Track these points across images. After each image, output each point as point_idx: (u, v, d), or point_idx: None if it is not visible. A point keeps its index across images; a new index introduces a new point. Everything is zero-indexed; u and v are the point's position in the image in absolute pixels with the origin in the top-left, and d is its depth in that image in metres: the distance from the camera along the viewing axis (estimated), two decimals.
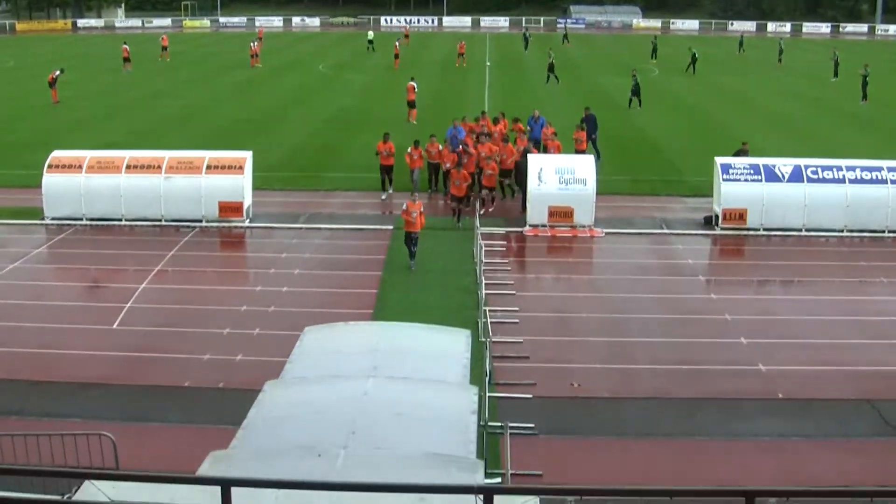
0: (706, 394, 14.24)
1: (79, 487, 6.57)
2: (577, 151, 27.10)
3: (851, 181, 23.02)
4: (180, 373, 14.76)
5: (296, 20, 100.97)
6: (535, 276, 20.31)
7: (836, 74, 52.04)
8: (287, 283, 19.13)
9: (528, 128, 28.43)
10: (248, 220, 23.54)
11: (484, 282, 17.30)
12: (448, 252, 21.30)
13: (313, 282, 19.30)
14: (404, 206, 20.03)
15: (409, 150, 25.34)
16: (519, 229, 23.11)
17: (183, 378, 14.57)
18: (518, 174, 24.61)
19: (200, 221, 23.21)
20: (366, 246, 21.96)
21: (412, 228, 19.66)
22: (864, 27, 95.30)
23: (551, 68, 49.01)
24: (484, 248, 19.43)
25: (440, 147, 25.24)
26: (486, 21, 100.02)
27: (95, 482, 6.33)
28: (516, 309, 17.51)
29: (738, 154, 25.11)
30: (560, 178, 22.96)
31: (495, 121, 27.86)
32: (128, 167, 23.45)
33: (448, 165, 24.54)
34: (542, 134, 27.25)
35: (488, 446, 11.28)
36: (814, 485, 10.90)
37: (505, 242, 22.21)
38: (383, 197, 25.03)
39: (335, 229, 23.06)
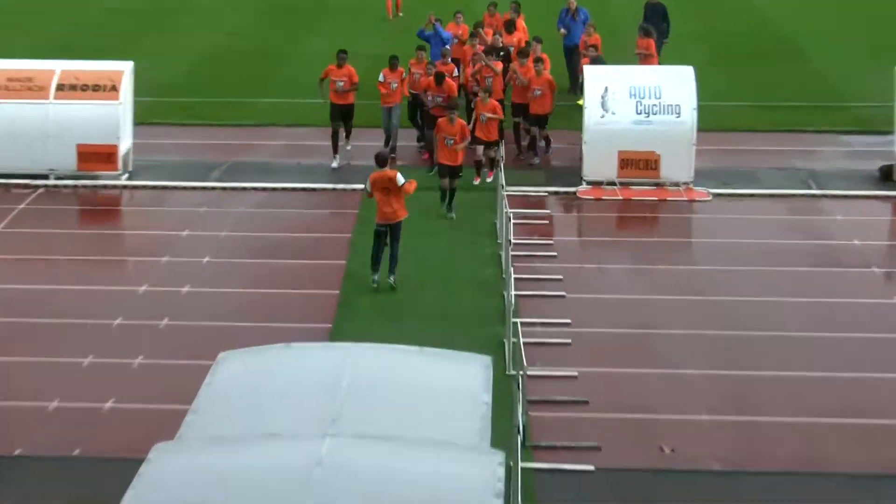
0: (889, 466, 14.06)
1: None
2: None
3: None
4: (9, 433, 14.57)
5: None
6: (597, 267, 20.29)
7: None
8: (190, 278, 19.14)
9: (562, 30, 28.49)
10: (125, 176, 23.51)
11: (514, 276, 16.98)
12: (456, 226, 21.29)
13: (234, 277, 19.29)
14: (367, 186, 18.70)
15: (381, 75, 24.64)
16: (570, 189, 22.96)
17: (13, 442, 14.37)
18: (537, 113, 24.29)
19: (47, 177, 23.29)
20: (321, 217, 21.87)
21: (389, 216, 18.56)
22: None
23: None
24: (513, 221, 19.18)
25: (432, 66, 24.31)
26: None
27: None
28: (566, 321, 17.53)
29: None
30: (638, 103, 22.87)
31: (509, 26, 27.05)
32: None
33: (430, 98, 23.67)
34: (582, 42, 27.07)
35: None
36: None
37: (548, 211, 22.13)
38: (334, 165, 24.53)
39: (270, 190, 23.08)
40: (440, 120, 22.04)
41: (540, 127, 24.40)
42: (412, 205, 19.42)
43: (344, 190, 23.04)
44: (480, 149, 23.07)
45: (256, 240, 20.82)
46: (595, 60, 25.21)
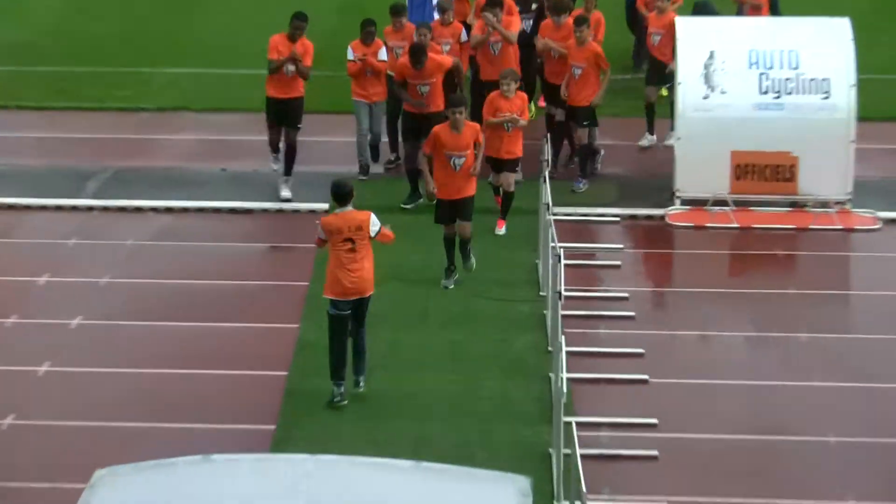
0: None
1: None
2: None
3: None
4: None
5: None
6: (699, 335, 20.32)
7: None
8: (51, 351, 19.17)
9: None
10: None
11: (566, 348, 16.41)
12: (475, 270, 21.33)
13: (119, 349, 19.38)
14: (319, 231, 18.22)
15: (349, 50, 24.47)
16: (655, 211, 23.51)
17: None
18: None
19: None
20: (259, 254, 22.66)
21: (354, 288, 17.79)
22: None
23: None
24: (565, 262, 18.64)
25: (424, 36, 23.54)
26: None
27: None
28: (651, 421, 17.58)
29: None
30: (762, 76, 23.20)
31: None
32: None
33: (409, 92, 23.15)
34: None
35: None
36: None
37: (619, 247, 22.41)
38: (275, 167, 24.68)
39: (179, 211, 23.51)
40: (436, 128, 20.90)
41: (578, 124, 24.11)
42: (401, 234, 19.03)
43: (296, 212, 23.05)
44: (502, 177, 22.37)
45: (156, 290, 20.82)
46: (699, 9, 25.42)
